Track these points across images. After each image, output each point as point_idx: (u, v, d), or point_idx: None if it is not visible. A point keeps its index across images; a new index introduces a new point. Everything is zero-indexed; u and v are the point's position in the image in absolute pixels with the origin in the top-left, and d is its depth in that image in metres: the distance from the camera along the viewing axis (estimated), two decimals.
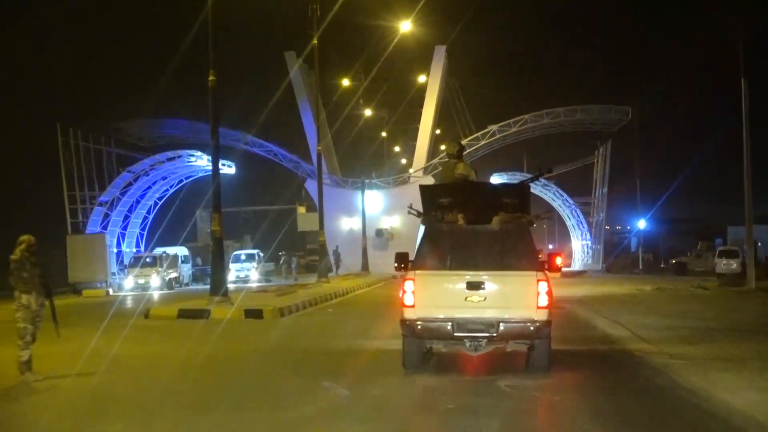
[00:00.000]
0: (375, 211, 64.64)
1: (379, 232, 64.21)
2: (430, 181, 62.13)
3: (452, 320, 13.19)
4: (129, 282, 49.66)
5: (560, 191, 72.61)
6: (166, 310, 25.96)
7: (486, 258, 13.58)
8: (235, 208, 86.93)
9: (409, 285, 13.44)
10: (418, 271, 13.57)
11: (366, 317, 25.54)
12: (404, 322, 13.46)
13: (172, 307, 26.32)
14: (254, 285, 49.40)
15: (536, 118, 63.21)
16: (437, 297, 13.42)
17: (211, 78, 26.85)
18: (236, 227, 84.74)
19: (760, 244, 65.62)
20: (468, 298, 13.18)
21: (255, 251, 58.34)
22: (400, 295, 13.58)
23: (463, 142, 60.10)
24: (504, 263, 13.47)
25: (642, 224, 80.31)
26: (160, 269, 50.12)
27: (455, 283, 13.35)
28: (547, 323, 13.14)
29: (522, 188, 15.05)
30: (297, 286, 40.12)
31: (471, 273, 13.30)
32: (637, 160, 72.59)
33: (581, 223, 73.75)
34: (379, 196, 65.24)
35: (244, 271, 55.50)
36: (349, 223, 64.64)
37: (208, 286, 51.11)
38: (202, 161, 60.35)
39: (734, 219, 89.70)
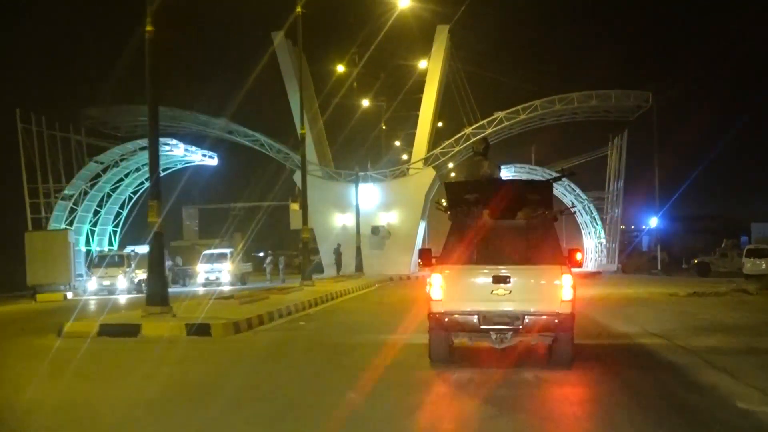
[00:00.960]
0: (370, 207, 59.19)
1: (375, 230, 58.71)
2: (431, 173, 56.88)
3: (479, 313, 13.47)
4: (92, 284, 44.31)
5: (572, 185, 66.96)
6: (86, 325, 20.30)
7: (511, 252, 13.84)
8: (224, 204, 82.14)
9: (436, 279, 13.64)
10: (445, 265, 13.73)
11: (347, 334, 19.97)
12: (432, 315, 13.71)
13: (94, 321, 20.66)
14: (227, 288, 44.29)
15: (547, 104, 57.69)
16: (464, 290, 13.70)
17: (147, 29, 21.03)
18: (226, 224, 79.89)
19: None
20: (494, 292, 13.44)
21: (228, 250, 52.63)
22: (428, 290, 13.78)
23: (468, 131, 54.91)
24: (529, 257, 13.74)
25: (654, 222, 75.32)
26: (127, 270, 44.74)
27: (481, 277, 13.58)
28: (571, 316, 13.40)
29: (546, 185, 15.38)
30: (275, 290, 34.55)
31: (497, 267, 13.52)
32: (656, 151, 66.95)
33: (595, 219, 68.08)
34: (375, 190, 59.70)
35: (215, 273, 49.81)
36: (342, 220, 59.14)
37: (183, 288, 47.89)
38: (178, 150, 55.23)
39: (757, 216, 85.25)
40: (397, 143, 70.57)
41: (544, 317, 13.35)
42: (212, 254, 51.26)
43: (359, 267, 55.01)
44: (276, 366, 14.93)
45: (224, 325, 19.59)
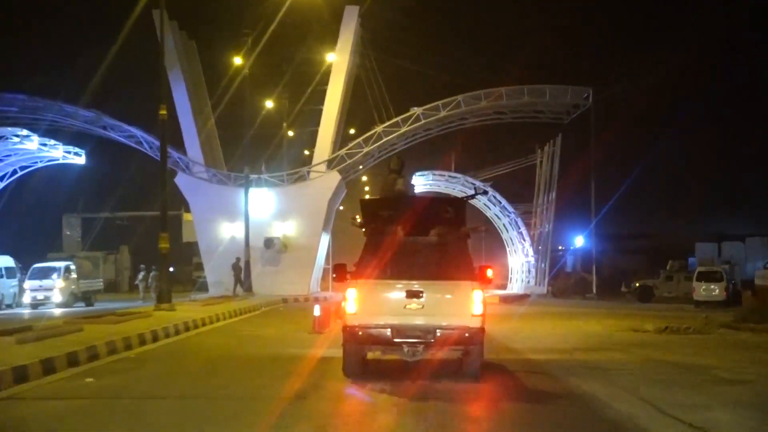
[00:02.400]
0: (264, 215, 50.58)
1: (269, 242, 50.10)
2: (335, 177, 48.72)
3: (392, 327, 13.91)
4: None
5: (497, 197, 59.19)
6: None
7: (424, 268, 14.31)
8: (109, 213, 72.89)
9: (351, 293, 14.10)
10: (359, 280, 14.20)
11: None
12: (346, 329, 14.20)
13: None
14: (57, 311, 36.22)
15: (471, 100, 49.90)
16: (378, 305, 14.14)
17: None
18: (110, 236, 71.73)
19: (735, 265, 55.30)
20: (407, 306, 13.92)
21: (63, 264, 43.52)
22: (343, 304, 14.34)
23: (379, 129, 47.16)
24: (441, 273, 14.26)
25: (580, 241, 68.37)
26: None
27: (395, 291, 14.10)
28: (481, 330, 14.02)
29: (459, 203, 16.23)
30: (112, 316, 25.56)
31: (410, 282, 14.02)
32: (593, 160, 59.41)
33: (522, 236, 60.28)
34: (270, 196, 51.07)
35: (43, 292, 40.66)
36: (231, 230, 50.30)
37: (43, 310, 39.40)
38: (31, 144, 46.47)
39: (693, 236, 78.79)
40: (302, 144, 61.18)
41: (455, 331, 13.87)
42: (42, 268, 41.99)
43: (248, 286, 46.39)
44: None
45: None
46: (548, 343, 22.02)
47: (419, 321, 13.87)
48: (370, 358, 15.10)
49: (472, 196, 17.50)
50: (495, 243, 77.28)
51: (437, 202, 18.33)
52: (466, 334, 13.81)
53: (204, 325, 26.30)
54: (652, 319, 29.63)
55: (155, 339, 21.11)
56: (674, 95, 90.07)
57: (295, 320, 25.37)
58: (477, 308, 13.87)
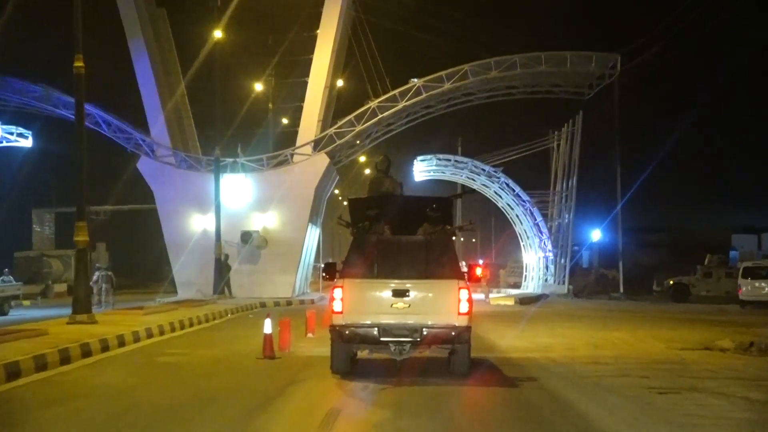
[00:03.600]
0: (241, 205, 43.81)
1: (246, 237, 43.23)
2: (323, 160, 42.01)
3: (378, 326, 13.88)
4: None
5: (509, 183, 52.17)
6: None
7: (411, 267, 14.27)
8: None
9: (337, 292, 14.07)
10: (346, 279, 14.20)
11: None
12: (333, 328, 14.12)
13: None
14: None
15: (480, 70, 42.95)
16: (364, 304, 14.08)
17: None
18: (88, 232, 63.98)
19: None
20: (393, 305, 13.90)
21: None
22: (329, 303, 14.29)
23: (373, 104, 40.42)
24: (428, 272, 14.18)
25: (597, 235, 61.78)
26: None
27: (381, 290, 14.03)
28: (467, 329, 14.00)
29: (446, 202, 16.50)
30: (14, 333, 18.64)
31: (396, 281, 14.03)
32: (618, 141, 52.52)
33: (539, 227, 53.24)
34: (248, 183, 44.15)
35: None
36: (203, 223, 43.34)
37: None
38: None
39: (719, 227, 72.08)
40: (287, 124, 53.20)
41: (442, 330, 13.90)
42: None
43: (220, 287, 39.58)
44: None
45: None
46: (601, 371, 15.28)
47: (406, 320, 13.92)
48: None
49: (460, 195, 16.69)
50: (506, 236, 70.85)
51: (424, 201, 17.32)
52: (453, 333, 13.90)
53: (122, 345, 19.39)
54: (713, 328, 23.25)
55: (13, 375, 14.24)
56: (711, 64, 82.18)
57: (256, 334, 18.55)
58: (463, 307, 13.93)
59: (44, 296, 49.64)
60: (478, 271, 15.48)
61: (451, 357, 14.52)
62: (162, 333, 22.52)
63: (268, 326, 17.13)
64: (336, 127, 43.58)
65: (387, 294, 13.93)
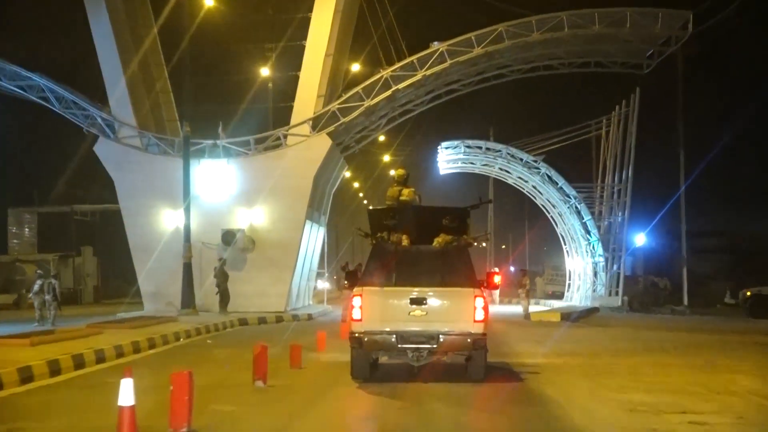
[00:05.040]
0: (222, 199, 35.62)
1: (229, 237, 34.94)
2: (324, 143, 33.96)
3: (396, 333, 14.34)
4: None
5: (552, 176, 43.79)
6: None
7: (428, 276, 14.83)
8: (65, 206, 59.40)
9: (356, 300, 14.54)
10: (365, 288, 14.65)
11: None
12: (352, 335, 14.54)
13: None
14: None
15: (518, 31, 34.64)
16: (383, 311, 14.54)
17: None
18: (70, 233, 58.64)
19: None
20: (411, 313, 14.36)
21: None
22: (349, 311, 14.88)
23: (386, 73, 32.38)
24: (444, 281, 14.73)
25: (641, 239, 53.44)
26: None
27: (400, 298, 14.52)
28: (483, 336, 14.41)
29: (462, 212, 16.08)
30: None
31: (414, 289, 14.53)
32: (682, 123, 44.15)
33: (587, 228, 44.75)
34: (231, 171, 35.83)
35: None
36: (175, 220, 34.90)
37: None
38: None
39: None
40: (281, 100, 44.09)
41: (458, 336, 14.35)
42: None
43: (190, 300, 31.49)
44: None
45: None
46: None
47: (423, 327, 14.34)
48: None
49: (477, 206, 16.66)
50: (543, 239, 63.29)
51: (441, 212, 16.32)
52: (468, 340, 14.28)
53: None
54: None
55: None
56: None
57: (163, 387, 10.47)
58: (479, 314, 14.35)
59: (17, 307, 43.71)
60: (497, 279, 15.92)
61: (468, 363, 14.97)
62: (25, 380, 14.30)
63: (126, 393, 8.92)
64: (339, 101, 35.21)
65: (405, 302, 14.42)
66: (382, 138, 53.15)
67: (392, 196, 16.50)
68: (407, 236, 15.14)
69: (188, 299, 31.48)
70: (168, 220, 35.28)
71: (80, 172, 49.49)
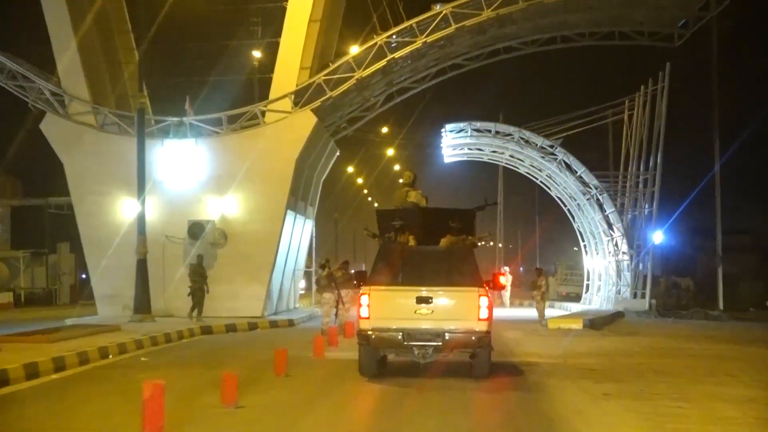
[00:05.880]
0: (190, 185, 30.79)
1: (197, 229, 30.05)
2: (308, 120, 28.99)
3: (403, 330, 14.69)
4: None
5: (569, 161, 39.03)
6: None
7: (434, 275, 15.19)
8: (39, 199, 55.05)
9: (364, 299, 14.90)
10: (372, 286, 15.05)
11: None
12: (360, 333, 15.03)
13: None
14: None
15: None
16: (390, 310, 14.93)
17: None
18: (44, 229, 55.08)
19: None
20: (417, 311, 14.71)
21: None
22: (357, 309, 15.32)
23: (380, 39, 27.73)
24: (450, 280, 15.11)
25: (659, 237, 48.98)
26: None
27: (406, 297, 14.92)
28: (487, 334, 14.78)
29: (468, 213, 16.56)
30: None
31: (420, 288, 14.88)
32: (716, 104, 39.58)
33: (609, 221, 40.00)
34: (200, 153, 30.94)
35: None
36: (135, 209, 29.90)
37: None
38: None
39: None
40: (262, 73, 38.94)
41: (463, 334, 14.72)
42: None
43: (143, 303, 26.67)
44: None
45: None
46: None
47: (428, 325, 14.69)
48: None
49: (481, 208, 17.12)
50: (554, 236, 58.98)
51: (447, 213, 16.81)
52: (473, 338, 14.65)
53: None
54: None
55: None
56: None
57: None
58: (483, 313, 14.69)
59: None
60: (502, 279, 16.48)
61: (473, 360, 15.18)
62: None
63: None
64: (326, 71, 30.32)
65: (411, 300, 14.75)
66: (385, 130, 49.45)
67: (400, 198, 17.19)
68: (414, 237, 15.64)
69: (143, 303, 26.61)
70: (127, 210, 30.34)
71: (56, 159, 45.08)
